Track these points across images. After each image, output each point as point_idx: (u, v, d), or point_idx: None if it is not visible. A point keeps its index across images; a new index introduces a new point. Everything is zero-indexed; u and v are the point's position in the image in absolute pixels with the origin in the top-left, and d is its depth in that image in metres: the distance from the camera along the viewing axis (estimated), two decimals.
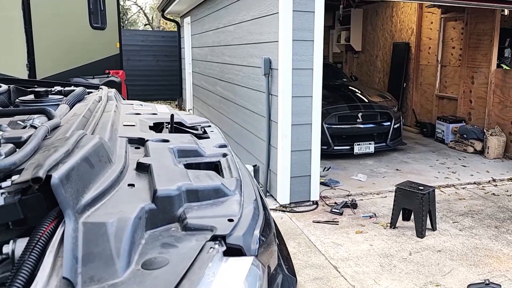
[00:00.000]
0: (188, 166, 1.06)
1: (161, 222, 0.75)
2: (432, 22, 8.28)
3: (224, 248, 0.70)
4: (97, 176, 0.80)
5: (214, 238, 0.72)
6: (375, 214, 4.45)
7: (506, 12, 5.99)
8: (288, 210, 4.57)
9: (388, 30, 9.50)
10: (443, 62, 8.08)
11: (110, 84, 7.09)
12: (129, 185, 0.84)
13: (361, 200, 4.87)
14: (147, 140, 1.16)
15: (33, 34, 5.77)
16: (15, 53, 5.72)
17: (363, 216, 4.41)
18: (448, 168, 6.18)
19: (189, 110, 11.33)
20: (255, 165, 5.01)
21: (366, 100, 6.88)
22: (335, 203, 4.72)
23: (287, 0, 4.33)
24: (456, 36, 7.71)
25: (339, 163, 6.24)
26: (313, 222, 4.28)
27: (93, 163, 0.80)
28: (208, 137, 1.38)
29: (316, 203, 4.75)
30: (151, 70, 13.83)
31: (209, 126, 1.52)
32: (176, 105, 13.17)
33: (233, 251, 0.72)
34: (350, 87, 7.49)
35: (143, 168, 0.93)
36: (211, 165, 1.11)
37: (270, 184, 4.89)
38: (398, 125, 6.82)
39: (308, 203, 4.73)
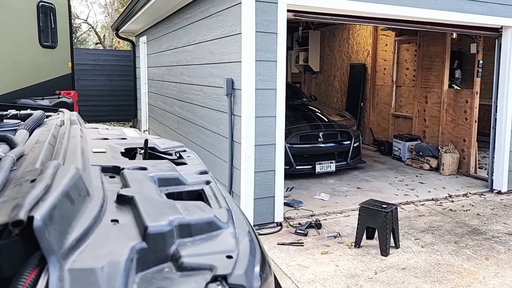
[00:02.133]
0: (170, 195, 0.99)
1: (153, 262, 0.68)
2: (387, 44, 8.60)
3: None
4: (78, 213, 0.72)
5: (215, 279, 0.65)
6: (339, 234, 4.46)
7: (455, 35, 6.30)
8: None
9: (345, 51, 9.78)
10: (398, 83, 8.38)
11: (61, 105, 6.81)
12: (112, 220, 0.76)
13: (325, 220, 4.88)
14: (123, 168, 1.08)
15: None
16: None
17: (327, 236, 4.40)
18: (407, 185, 6.34)
19: (144, 131, 11.10)
20: None
21: (327, 120, 6.99)
22: (299, 223, 4.70)
23: (250, 22, 4.35)
24: (410, 58, 8.03)
25: (302, 183, 6.26)
26: (278, 244, 4.23)
27: (73, 198, 0.72)
28: (185, 163, 1.31)
29: (280, 224, 4.71)
30: (103, 90, 13.45)
31: (184, 150, 1.45)
32: (130, 126, 12.86)
33: None
34: (310, 107, 7.59)
35: (124, 201, 0.85)
36: (194, 194, 1.04)
37: None
38: (357, 143, 6.96)
39: (272, 225, 4.68)
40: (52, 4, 7.41)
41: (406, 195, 5.86)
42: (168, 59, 8.03)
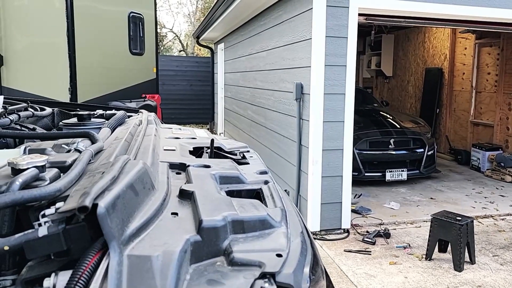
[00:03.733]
0: (230, 193, 1.03)
1: (206, 255, 0.71)
2: (466, 48, 8.15)
3: (274, 287, 0.65)
4: (141, 204, 0.77)
5: (263, 276, 0.67)
6: (409, 245, 4.29)
7: None
8: (318, 237, 4.47)
9: (420, 55, 9.40)
10: (478, 88, 7.90)
11: (146, 108, 7.25)
12: (172, 213, 0.81)
13: (394, 229, 4.72)
14: (188, 166, 1.14)
15: (76, 60, 5.99)
16: (58, 77, 5.96)
17: (396, 247, 4.25)
18: (485, 197, 5.95)
19: (220, 133, 11.43)
20: (286, 190, 4.91)
21: (398, 126, 6.75)
22: (367, 231, 4.58)
23: (320, 26, 4.33)
24: (492, 62, 7.54)
25: (370, 190, 6.10)
26: (344, 251, 4.16)
27: (138, 190, 0.78)
28: (248, 163, 1.35)
29: (347, 231, 4.62)
30: (184, 95, 14.11)
31: (248, 151, 1.49)
32: (208, 128, 13.34)
33: None
34: (381, 112, 7.38)
35: (186, 195, 0.90)
36: (252, 193, 1.07)
37: (300, 210, 4.80)
38: (431, 151, 6.65)
39: (339, 231, 4.61)
40: (141, 15, 7.92)
41: (485, 208, 5.50)
42: (243, 65, 8.22)
